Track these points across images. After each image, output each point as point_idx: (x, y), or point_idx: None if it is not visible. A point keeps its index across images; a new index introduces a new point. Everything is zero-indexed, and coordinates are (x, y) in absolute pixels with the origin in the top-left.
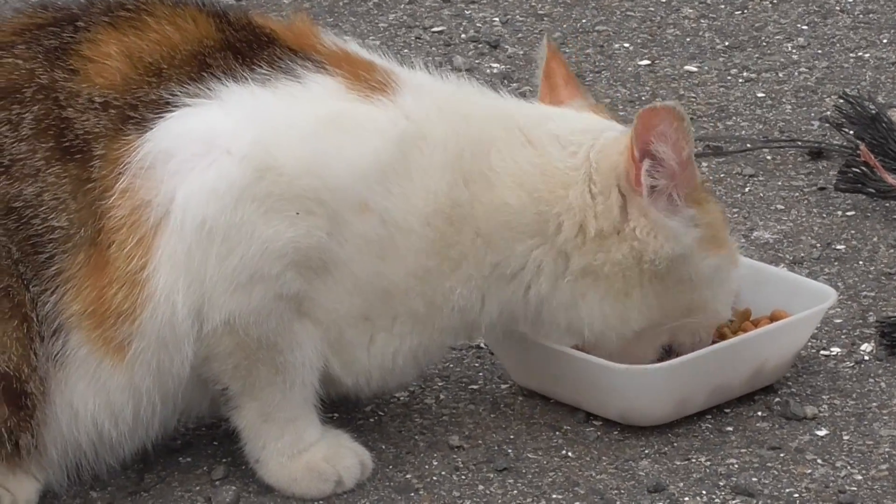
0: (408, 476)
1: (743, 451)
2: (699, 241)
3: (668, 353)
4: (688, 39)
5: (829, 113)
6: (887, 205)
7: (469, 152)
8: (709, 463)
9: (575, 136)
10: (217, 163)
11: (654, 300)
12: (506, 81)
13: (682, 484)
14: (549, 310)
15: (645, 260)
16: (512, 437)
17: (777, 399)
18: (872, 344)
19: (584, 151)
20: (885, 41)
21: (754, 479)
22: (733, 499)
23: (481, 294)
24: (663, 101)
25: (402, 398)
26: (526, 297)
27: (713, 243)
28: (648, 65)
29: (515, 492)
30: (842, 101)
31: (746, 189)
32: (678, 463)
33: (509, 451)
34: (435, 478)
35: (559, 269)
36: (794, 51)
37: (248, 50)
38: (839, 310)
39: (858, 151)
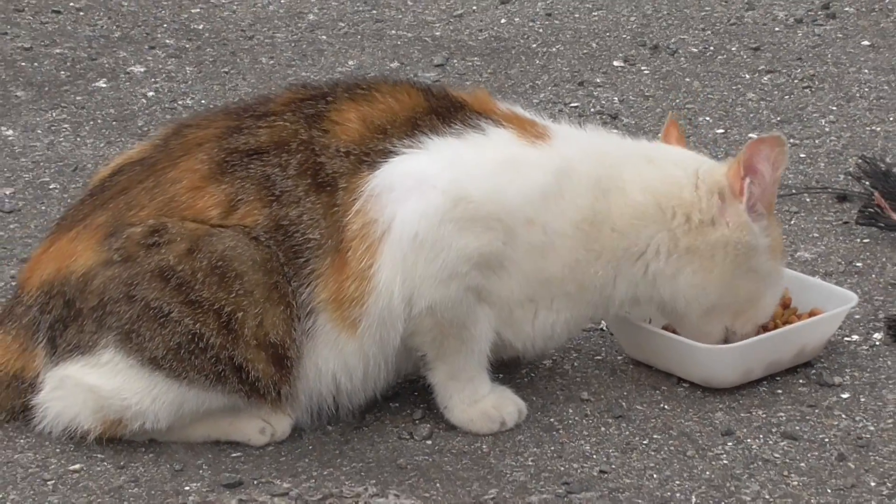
0: (551, 420)
1: (789, 407)
2: (768, 247)
3: (726, 340)
4: (751, 115)
5: (851, 169)
6: (893, 235)
7: (605, 177)
8: (764, 415)
9: (685, 160)
10: (426, 194)
11: (729, 278)
12: None
13: (745, 430)
14: (659, 283)
15: (731, 244)
16: (625, 393)
17: (813, 371)
18: (881, 334)
19: (692, 168)
20: (891, 119)
21: (797, 428)
22: (782, 441)
23: (614, 274)
24: (771, 133)
25: (547, 364)
26: (645, 274)
27: (775, 252)
28: (723, 133)
29: (627, 433)
30: (861, 161)
31: (792, 222)
32: (743, 415)
33: (623, 403)
34: (570, 421)
35: (671, 248)
36: (826, 125)
37: (446, 113)
38: (858, 309)
39: (873, 197)
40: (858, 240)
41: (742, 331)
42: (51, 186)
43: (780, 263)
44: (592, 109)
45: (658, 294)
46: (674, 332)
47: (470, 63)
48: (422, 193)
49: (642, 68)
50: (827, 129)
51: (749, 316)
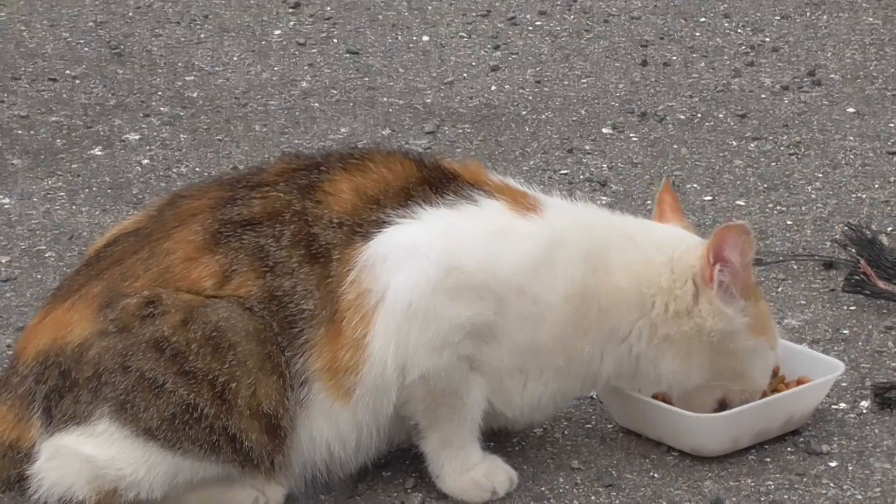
0: (542, 489)
1: (777, 476)
2: (746, 327)
3: (721, 406)
4: (738, 182)
5: (837, 236)
6: (879, 303)
7: (594, 252)
8: (753, 484)
9: (666, 242)
10: (419, 264)
11: (708, 364)
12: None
13: (734, 498)
14: (643, 365)
15: (704, 333)
16: (615, 462)
17: (801, 439)
18: (869, 401)
19: (670, 251)
20: (877, 186)
21: (786, 497)
22: None
23: (601, 351)
24: (735, 221)
25: (538, 433)
26: (630, 355)
27: (756, 330)
28: (710, 199)
29: (617, 502)
30: (847, 228)
31: (779, 289)
32: (732, 483)
33: (613, 472)
34: (561, 490)
35: (651, 335)
36: (812, 192)
37: (439, 183)
38: (845, 377)
39: (859, 265)
40: (845, 307)
41: (734, 404)
42: (47, 255)
43: (766, 338)
44: (582, 177)
45: (642, 374)
46: (663, 400)
47: (461, 130)
48: (415, 263)
49: (631, 135)
50: (813, 196)
51: (739, 390)
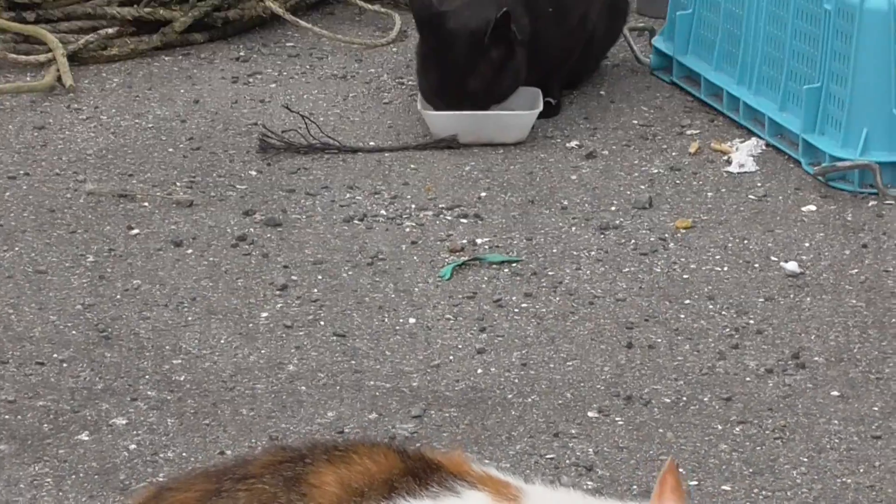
0: None
1: None
2: None
3: None
4: (724, 466)
5: None
6: None
7: None
8: None
9: None
10: None
11: None
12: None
13: None
14: None
15: None
16: None
17: None
18: None
19: None
20: (861, 471)
21: None
22: None
23: None
24: None
25: None
26: None
27: None
28: (696, 484)
29: None
30: None
31: None
32: None
33: None
34: None
35: None
36: (797, 476)
37: (422, 474)
38: None
39: None
40: None
41: None
42: None
43: None
44: (567, 461)
45: None
46: None
47: (447, 414)
48: None
49: (616, 419)
50: (798, 481)
51: None
